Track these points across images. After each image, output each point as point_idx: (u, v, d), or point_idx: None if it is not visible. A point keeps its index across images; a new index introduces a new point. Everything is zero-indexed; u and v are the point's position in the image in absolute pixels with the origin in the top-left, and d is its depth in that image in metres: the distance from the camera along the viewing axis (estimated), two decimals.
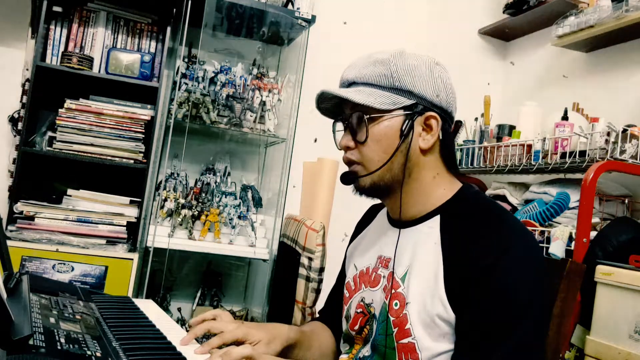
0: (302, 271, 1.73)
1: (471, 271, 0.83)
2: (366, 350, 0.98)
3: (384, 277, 0.97)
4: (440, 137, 0.94)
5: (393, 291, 0.92)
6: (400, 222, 0.98)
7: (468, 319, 0.83)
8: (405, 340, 0.89)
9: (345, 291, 1.08)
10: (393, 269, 0.95)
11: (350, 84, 0.97)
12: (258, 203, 2.29)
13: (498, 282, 0.82)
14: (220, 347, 0.88)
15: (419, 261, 0.91)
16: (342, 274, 1.17)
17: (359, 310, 1.02)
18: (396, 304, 0.91)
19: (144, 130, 2.09)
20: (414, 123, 0.92)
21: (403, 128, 0.92)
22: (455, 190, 0.96)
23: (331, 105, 1.01)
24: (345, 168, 1.00)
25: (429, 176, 0.95)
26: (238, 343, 0.90)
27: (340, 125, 1.00)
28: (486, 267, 0.82)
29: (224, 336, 0.90)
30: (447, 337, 0.86)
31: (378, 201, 1.07)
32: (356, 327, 1.02)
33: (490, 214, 0.91)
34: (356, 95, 0.92)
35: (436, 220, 0.93)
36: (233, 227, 2.17)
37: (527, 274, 0.83)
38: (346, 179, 0.98)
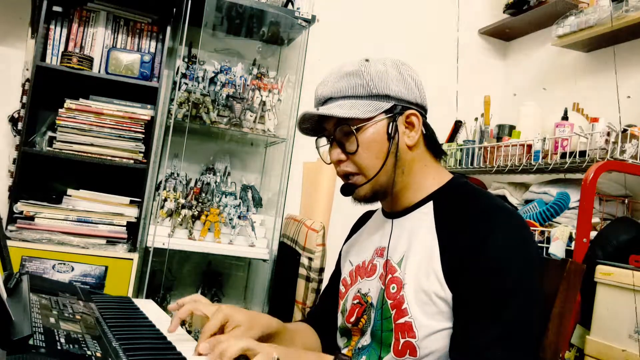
0: (302, 271, 1.73)
1: (464, 252, 0.87)
2: (365, 340, 1.00)
3: (380, 265, 1.00)
4: (424, 132, 1.00)
5: (390, 276, 0.95)
6: (394, 213, 1.03)
7: (463, 299, 0.86)
8: (402, 320, 0.91)
9: (342, 287, 1.11)
10: (387, 255, 0.99)
11: (327, 100, 0.99)
12: (258, 203, 2.29)
13: (487, 260, 0.85)
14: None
15: (414, 245, 0.94)
16: (335, 275, 1.20)
17: (355, 302, 1.04)
18: (393, 288, 0.94)
19: (144, 130, 2.09)
20: (397, 124, 0.96)
21: (389, 131, 0.96)
22: (445, 180, 1.01)
23: (311, 124, 1.04)
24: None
25: (418, 168, 1.00)
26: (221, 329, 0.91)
27: (323, 141, 1.04)
28: (476, 246, 0.86)
29: (208, 327, 0.89)
30: (443, 314, 0.88)
31: (375, 206, 1.09)
32: (352, 319, 1.03)
33: (479, 198, 0.96)
34: (340, 110, 0.95)
35: (429, 206, 0.98)
36: (233, 227, 2.17)
37: (515, 251, 0.87)
38: (347, 190, 1.00)
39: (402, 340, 0.90)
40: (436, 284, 0.88)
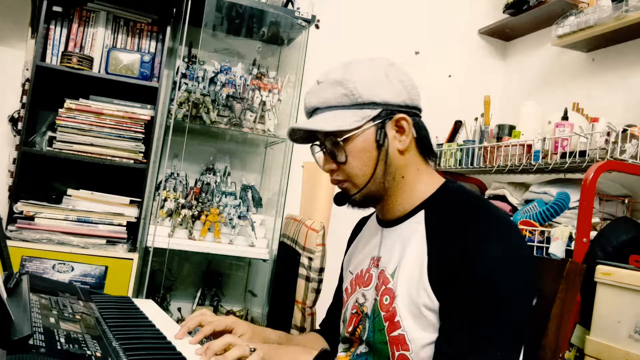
0: (302, 271, 1.73)
1: (453, 261, 0.85)
2: (363, 348, 1.00)
3: (375, 276, 1.00)
4: (415, 135, 0.97)
5: (383, 287, 0.95)
6: (387, 222, 1.02)
7: (449, 306, 0.85)
8: (395, 333, 0.90)
9: (344, 295, 1.11)
10: (378, 265, 0.98)
11: (314, 110, 0.99)
12: (258, 203, 2.29)
13: (476, 271, 0.83)
14: (209, 339, 0.94)
15: (407, 256, 0.93)
16: (339, 288, 1.20)
17: (353, 311, 1.04)
18: (386, 299, 0.93)
19: (144, 130, 2.09)
20: (386, 129, 0.94)
21: (378, 138, 0.94)
22: (437, 185, 0.99)
23: (303, 132, 1.03)
24: None
25: (411, 172, 0.98)
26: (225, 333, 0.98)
27: (318, 147, 1.03)
28: (465, 257, 0.84)
29: (214, 324, 0.97)
30: (434, 326, 0.87)
31: (368, 211, 1.09)
32: (350, 329, 1.03)
33: (471, 205, 0.93)
34: (324, 123, 0.94)
35: (421, 215, 0.96)
36: (233, 227, 2.17)
37: (505, 262, 0.84)
38: (340, 200, 1.01)
39: (397, 354, 0.90)
40: (424, 295, 0.87)
